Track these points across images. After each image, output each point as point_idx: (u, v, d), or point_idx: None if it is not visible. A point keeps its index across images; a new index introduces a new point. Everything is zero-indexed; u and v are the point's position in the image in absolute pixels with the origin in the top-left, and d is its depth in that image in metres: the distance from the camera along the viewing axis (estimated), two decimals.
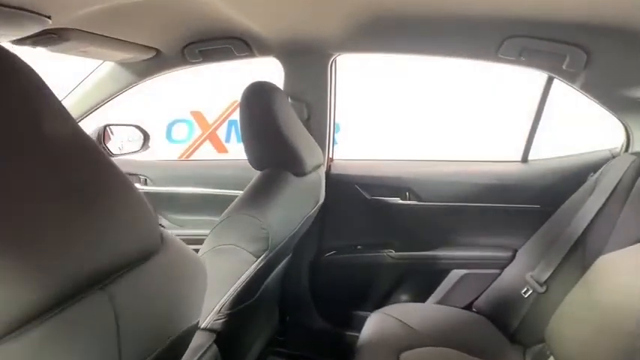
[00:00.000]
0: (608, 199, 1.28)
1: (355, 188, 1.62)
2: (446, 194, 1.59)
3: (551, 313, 1.24)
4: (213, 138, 3.63)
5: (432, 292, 1.64)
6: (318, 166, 1.37)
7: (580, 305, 1.18)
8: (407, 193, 1.60)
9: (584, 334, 1.11)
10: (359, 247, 1.67)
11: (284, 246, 1.16)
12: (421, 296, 1.65)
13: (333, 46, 1.46)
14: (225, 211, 1.06)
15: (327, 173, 1.61)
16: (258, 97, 1.19)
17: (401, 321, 1.36)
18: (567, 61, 1.26)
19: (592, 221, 1.30)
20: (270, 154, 1.22)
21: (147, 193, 1.87)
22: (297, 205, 1.23)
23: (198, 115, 3.65)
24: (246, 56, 1.51)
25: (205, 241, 1.02)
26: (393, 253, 1.63)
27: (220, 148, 3.63)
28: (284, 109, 1.22)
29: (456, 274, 1.61)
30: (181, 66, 1.58)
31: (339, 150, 1.77)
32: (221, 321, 1.01)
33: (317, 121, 1.57)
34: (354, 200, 1.62)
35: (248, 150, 1.22)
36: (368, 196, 1.61)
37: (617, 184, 1.27)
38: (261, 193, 1.12)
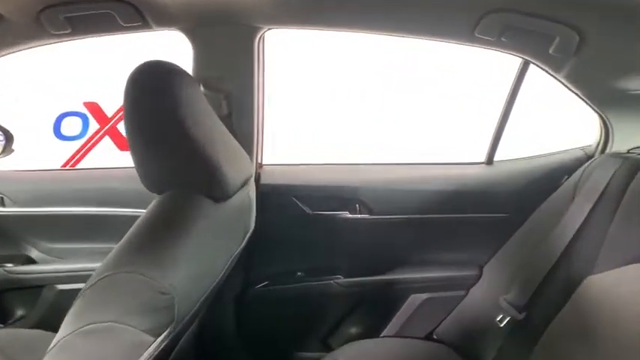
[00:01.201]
0: (593, 209, 1.10)
1: (292, 201, 1.30)
2: (402, 205, 1.34)
3: (532, 344, 1.08)
4: (113, 133, 3.06)
5: (389, 323, 1.40)
6: (247, 182, 1.01)
7: (569, 335, 1.04)
8: (357, 206, 1.32)
9: None
10: (299, 274, 1.37)
11: (199, 309, 0.79)
12: (376, 328, 1.40)
13: (261, 16, 1.12)
14: (100, 266, 0.67)
15: (256, 184, 1.27)
16: (152, 85, 0.79)
17: None
18: (556, 43, 1.07)
19: (576, 235, 1.12)
20: (173, 170, 0.83)
21: (5, 217, 1.38)
22: (217, 246, 0.87)
23: (93, 107, 3.05)
24: (137, 27, 1.10)
25: (66, 319, 0.63)
26: (341, 279, 1.35)
27: (123, 145, 3.07)
28: (194, 102, 0.84)
29: (415, 299, 1.39)
30: (41, 39, 1.12)
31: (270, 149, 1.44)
32: None
33: (241, 117, 1.21)
34: (292, 216, 1.31)
35: (139, 164, 0.82)
36: (309, 211, 1.31)
37: (604, 190, 1.09)
38: (159, 234, 0.74)
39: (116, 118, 3.03)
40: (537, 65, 1.17)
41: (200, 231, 0.78)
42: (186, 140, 0.78)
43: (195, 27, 1.13)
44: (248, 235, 1.04)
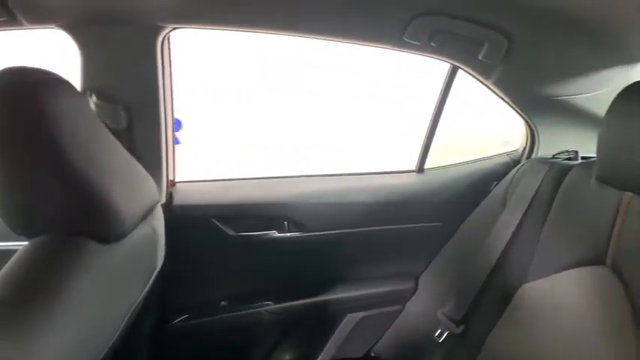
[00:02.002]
0: (524, 217, 1.09)
1: (212, 223, 1.15)
2: (334, 220, 1.25)
3: (473, 358, 1.08)
4: None
5: (325, 347, 1.31)
6: (150, 210, 0.83)
7: (508, 347, 1.02)
8: (285, 223, 1.20)
9: None
10: (223, 303, 1.22)
11: None
12: (311, 354, 1.31)
13: (164, 14, 0.95)
14: None
15: (168, 206, 1.10)
16: (12, 99, 0.60)
17: None
18: (485, 49, 1.05)
19: (509, 243, 1.11)
20: (44, 207, 0.64)
21: None
22: (111, 298, 0.69)
23: None
24: (3, 23, 0.88)
25: None
26: (271, 305, 1.23)
27: None
28: (74, 117, 0.66)
29: (351, 318, 1.32)
30: None
31: (185, 159, 1.26)
32: None
33: (145, 130, 1.03)
34: (212, 240, 1.16)
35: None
36: (232, 232, 1.16)
37: (534, 197, 1.08)
38: (24, 294, 0.56)
39: None
40: (467, 71, 1.14)
41: (84, 284, 0.61)
42: (61, 167, 0.61)
43: (81, 25, 0.94)
44: (155, 272, 0.87)
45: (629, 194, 0.86)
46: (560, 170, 1.06)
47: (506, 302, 1.03)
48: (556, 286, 0.95)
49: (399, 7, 0.97)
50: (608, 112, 0.88)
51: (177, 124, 1.84)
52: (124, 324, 0.75)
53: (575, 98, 1.21)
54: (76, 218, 0.65)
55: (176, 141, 1.29)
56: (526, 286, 1.00)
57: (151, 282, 0.85)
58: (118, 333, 0.72)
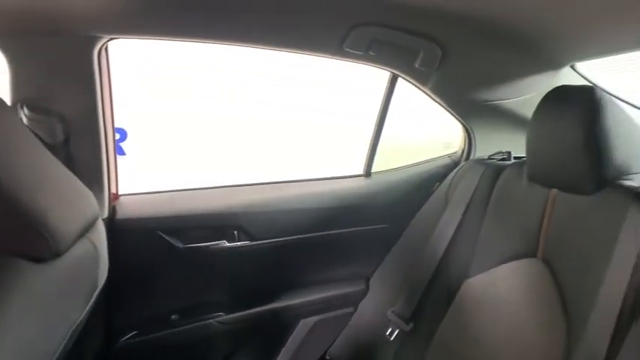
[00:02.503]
0: (464, 215, 1.16)
1: (159, 235, 1.12)
2: (284, 226, 1.26)
3: (423, 353, 1.11)
4: None
5: (280, 354, 1.30)
6: (90, 226, 0.80)
7: (454, 340, 1.07)
8: (235, 233, 1.19)
9: None
10: (173, 317, 1.19)
11: None
12: None
13: (99, 25, 0.93)
14: None
15: (111, 220, 1.06)
16: None
17: None
18: (420, 57, 1.10)
19: (451, 241, 1.16)
20: None
21: None
22: (46, 320, 0.66)
23: None
24: None
25: None
26: (222, 316, 1.22)
27: None
28: (4, 131, 0.63)
29: (305, 324, 1.32)
30: None
31: (130, 171, 1.23)
32: None
33: (84, 142, 1.00)
34: (159, 253, 1.13)
35: None
36: (180, 245, 1.14)
37: (472, 196, 1.15)
38: None
39: None
40: (405, 79, 1.19)
41: (14, 307, 0.58)
42: None
43: (11, 36, 0.89)
44: (98, 290, 0.84)
45: (555, 191, 0.94)
46: (494, 170, 1.13)
47: (451, 297, 1.08)
48: (495, 279, 1.01)
49: (338, 17, 1.00)
50: (534, 115, 0.95)
51: (122, 135, 1.78)
52: (62, 348, 0.71)
53: (506, 102, 1.28)
54: (6, 237, 0.62)
55: (120, 151, 1.25)
56: (468, 281, 1.06)
57: (92, 301, 0.82)
58: (55, 358, 0.69)
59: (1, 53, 0.90)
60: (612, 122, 0.85)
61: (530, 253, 0.96)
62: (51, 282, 0.66)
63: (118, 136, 1.16)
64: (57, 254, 0.66)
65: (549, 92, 0.94)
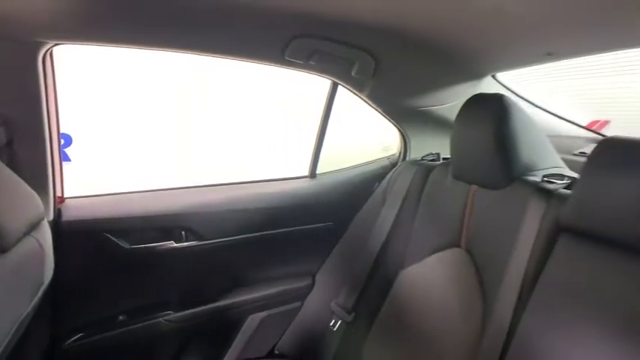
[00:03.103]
0: (399, 212, 1.24)
1: (105, 237, 1.13)
2: (230, 226, 1.29)
3: (363, 342, 1.16)
4: None
5: (229, 349, 1.33)
6: (35, 225, 0.82)
7: (391, 327, 1.13)
8: (183, 233, 1.22)
9: (399, 356, 1.07)
10: (120, 318, 1.20)
11: None
12: (215, 357, 1.33)
13: (43, 31, 0.94)
14: None
15: (57, 222, 1.07)
16: None
17: None
18: (356, 67, 1.18)
19: (388, 236, 1.25)
20: None
21: None
22: None
23: None
24: None
25: None
26: (171, 315, 1.23)
27: None
28: None
29: (253, 320, 1.36)
30: None
31: (76, 177, 1.23)
32: None
33: (28, 144, 1.00)
34: (105, 255, 1.14)
35: None
36: (126, 245, 1.15)
37: (406, 194, 1.24)
38: None
39: None
40: (344, 86, 1.26)
41: None
42: None
43: None
44: (44, 287, 0.85)
45: (474, 187, 1.04)
46: (425, 170, 1.22)
47: (388, 287, 1.15)
48: (426, 268, 1.10)
49: (279, 29, 1.05)
50: (456, 120, 1.05)
51: (67, 140, 1.76)
52: (6, 344, 0.73)
53: (436, 109, 1.39)
54: None
55: (65, 157, 1.25)
56: (403, 271, 1.14)
57: (38, 298, 0.83)
58: (4, 346, 0.70)
59: None
60: (518, 126, 0.96)
61: (455, 243, 1.05)
62: None
63: (62, 142, 1.17)
64: (2, 250, 0.69)
65: (467, 100, 1.04)
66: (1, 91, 0.96)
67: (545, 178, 0.94)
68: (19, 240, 0.74)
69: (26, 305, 0.78)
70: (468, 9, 0.89)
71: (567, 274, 0.76)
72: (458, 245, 1.05)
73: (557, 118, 1.50)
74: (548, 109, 1.49)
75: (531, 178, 0.96)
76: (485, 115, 0.97)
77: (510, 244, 0.89)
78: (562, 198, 0.84)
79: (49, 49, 0.99)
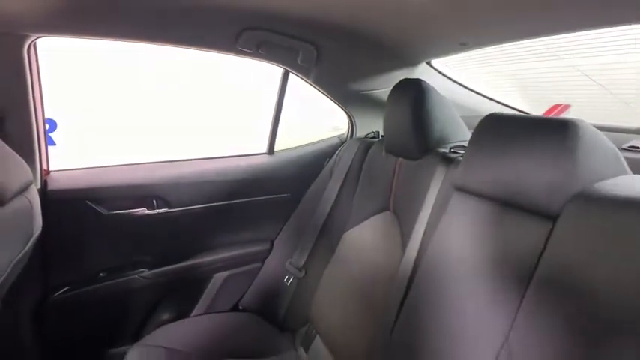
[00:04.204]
0: (344, 183, 1.42)
1: (86, 204, 1.30)
2: (197, 196, 1.46)
3: (312, 295, 1.32)
4: None
5: (197, 304, 1.51)
6: (25, 188, 1.00)
7: (335, 281, 1.28)
8: (154, 201, 1.39)
9: (343, 306, 1.22)
10: (101, 274, 1.37)
11: None
12: (186, 311, 1.50)
13: (27, 24, 1.09)
14: None
15: (44, 191, 1.23)
16: None
17: (164, 347, 1.20)
18: (300, 56, 1.32)
19: (334, 204, 1.42)
20: None
21: None
22: None
23: None
24: None
25: None
26: (145, 272, 1.41)
27: None
28: None
29: (218, 278, 1.53)
30: None
31: (60, 155, 1.40)
32: None
33: (16, 124, 1.16)
34: (87, 220, 1.30)
35: None
36: (105, 212, 1.32)
37: (349, 168, 1.42)
38: None
39: None
40: (293, 72, 1.42)
41: None
42: None
43: None
44: (33, 237, 1.03)
45: (400, 159, 1.21)
46: (366, 146, 1.40)
47: (333, 248, 1.33)
48: (363, 230, 1.26)
49: (229, 22, 1.19)
50: (387, 101, 1.21)
51: (52, 125, 1.93)
52: (4, 278, 0.91)
53: (376, 92, 1.55)
54: None
55: (50, 142, 1.41)
56: (346, 233, 1.31)
57: (29, 246, 1.01)
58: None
59: None
60: (431, 106, 1.12)
61: (386, 208, 1.22)
62: None
63: (47, 127, 1.32)
64: (1, 203, 0.87)
65: (396, 84, 1.19)
66: None
67: (452, 150, 1.10)
68: (14, 196, 0.92)
69: (19, 249, 0.96)
70: (394, 2, 1.01)
71: (455, 224, 0.90)
72: (388, 209, 1.21)
73: (486, 99, 1.67)
74: (480, 91, 1.66)
75: (441, 150, 1.12)
76: (405, 97, 1.13)
77: (420, 204, 1.06)
78: (458, 164, 0.98)
79: (32, 42, 1.13)
